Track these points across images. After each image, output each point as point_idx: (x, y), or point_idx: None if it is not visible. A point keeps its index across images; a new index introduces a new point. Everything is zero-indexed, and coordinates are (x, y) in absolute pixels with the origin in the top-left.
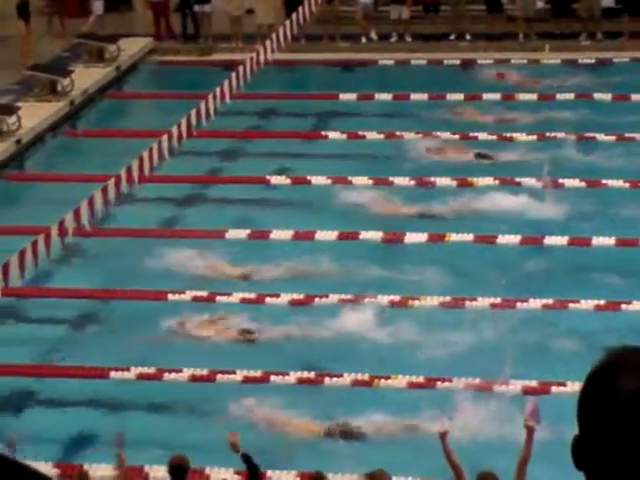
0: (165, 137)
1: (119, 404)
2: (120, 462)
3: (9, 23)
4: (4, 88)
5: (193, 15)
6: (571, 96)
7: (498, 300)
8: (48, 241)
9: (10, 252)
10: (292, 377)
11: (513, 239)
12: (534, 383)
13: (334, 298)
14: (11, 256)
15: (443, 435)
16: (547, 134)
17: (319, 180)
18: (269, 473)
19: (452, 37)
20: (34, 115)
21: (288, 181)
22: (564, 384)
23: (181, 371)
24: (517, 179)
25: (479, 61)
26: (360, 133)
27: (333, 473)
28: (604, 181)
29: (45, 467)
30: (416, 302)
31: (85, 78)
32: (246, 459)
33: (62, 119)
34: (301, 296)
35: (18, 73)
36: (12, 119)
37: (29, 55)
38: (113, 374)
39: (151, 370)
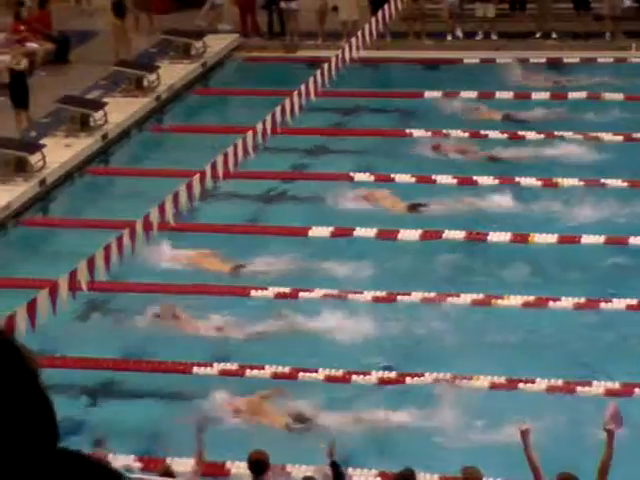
0: (250, 133)
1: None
2: (199, 453)
3: (100, 18)
4: (93, 84)
5: (279, 12)
6: None
7: (582, 300)
8: (133, 236)
9: (96, 246)
10: None
11: (597, 239)
12: (616, 385)
13: (417, 296)
14: (96, 251)
15: (524, 433)
16: (633, 134)
17: (403, 178)
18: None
19: (538, 35)
20: (121, 110)
21: (372, 178)
22: None
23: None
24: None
25: (565, 59)
26: (445, 131)
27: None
28: None
29: (127, 460)
30: (499, 301)
31: (171, 74)
32: (335, 466)
33: (148, 114)
34: (384, 293)
35: (107, 69)
36: (99, 114)
37: (123, 53)
38: (195, 369)
39: (233, 367)
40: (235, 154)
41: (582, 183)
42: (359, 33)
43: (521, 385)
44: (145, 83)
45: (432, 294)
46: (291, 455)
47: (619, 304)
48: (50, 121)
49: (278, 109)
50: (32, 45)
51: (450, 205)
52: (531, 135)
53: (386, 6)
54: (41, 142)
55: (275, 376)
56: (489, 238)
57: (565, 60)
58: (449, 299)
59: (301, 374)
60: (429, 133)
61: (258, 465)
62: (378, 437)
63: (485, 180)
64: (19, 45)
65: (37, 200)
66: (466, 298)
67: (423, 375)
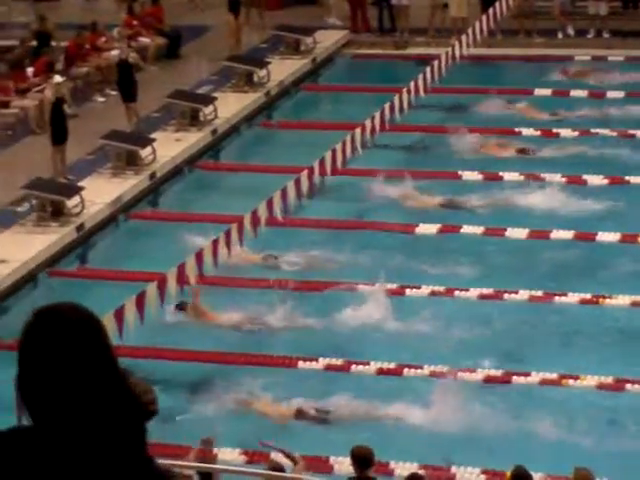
0: (358, 130)
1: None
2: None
3: (211, 14)
4: (204, 79)
5: (390, 8)
6: None
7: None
8: (241, 231)
9: (204, 240)
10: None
11: None
12: None
13: (524, 294)
14: (205, 244)
15: None
16: None
17: (510, 176)
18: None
19: None
20: (230, 105)
21: (480, 177)
22: None
23: (368, 364)
24: None
25: None
26: (554, 130)
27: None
28: None
29: (233, 455)
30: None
31: (281, 70)
32: None
33: (257, 110)
34: (491, 290)
35: (217, 64)
36: (209, 109)
37: (235, 49)
38: (301, 364)
39: (338, 362)
40: (344, 151)
41: None
42: (469, 30)
43: (628, 386)
44: (255, 79)
45: (539, 292)
46: None
47: None
48: (161, 115)
49: (387, 106)
50: (144, 40)
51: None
52: None
53: (497, 3)
54: (152, 136)
55: (380, 372)
56: (598, 238)
57: None
58: (557, 298)
59: (406, 370)
60: (538, 132)
61: (363, 461)
62: (482, 435)
63: (594, 180)
64: (130, 40)
65: (147, 194)
66: (574, 297)
67: (529, 374)
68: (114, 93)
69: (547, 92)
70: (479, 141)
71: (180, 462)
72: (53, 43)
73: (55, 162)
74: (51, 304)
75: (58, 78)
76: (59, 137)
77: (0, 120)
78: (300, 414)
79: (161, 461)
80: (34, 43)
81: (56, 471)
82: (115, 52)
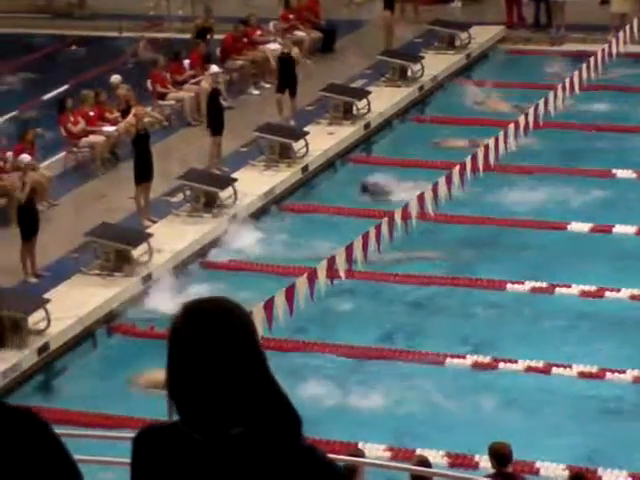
0: (512, 126)
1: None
2: None
3: (367, 8)
4: (358, 73)
5: (547, 4)
6: None
7: None
8: (391, 225)
9: (353, 236)
10: None
11: None
12: None
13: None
14: (355, 239)
15: None
16: None
17: None
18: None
19: None
20: (383, 100)
21: (634, 175)
22: None
23: (516, 362)
24: None
25: None
26: None
27: None
28: None
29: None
30: None
31: (435, 64)
32: None
33: (411, 104)
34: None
35: (371, 58)
36: (362, 103)
37: (390, 43)
38: (449, 360)
39: (486, 359)
40: (496, 147)
41: None
42: (627, 27)
43: None
44: (409, 73)
45: None
46: None
47: None
48: (314, 109)
49: (541, 102)
50: (300, 34)
51: None
52: None
53: None
54: (305, 129)
55: (475, 365)
56: None
57: None
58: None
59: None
60: None
61: (502, 457)
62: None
63: None
64: (286, 33)
65: (299, 186)
66: None
67: None
68: (268, 86)
69: None
70: None
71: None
72: (208, 37)
73: (212, 153)
74: (200, 298)
75: (215, 68)
76: (216, 128)
77: (157, 111)
78: None
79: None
80: (193, 36)
81: (207, 469)
82: (272, 46)
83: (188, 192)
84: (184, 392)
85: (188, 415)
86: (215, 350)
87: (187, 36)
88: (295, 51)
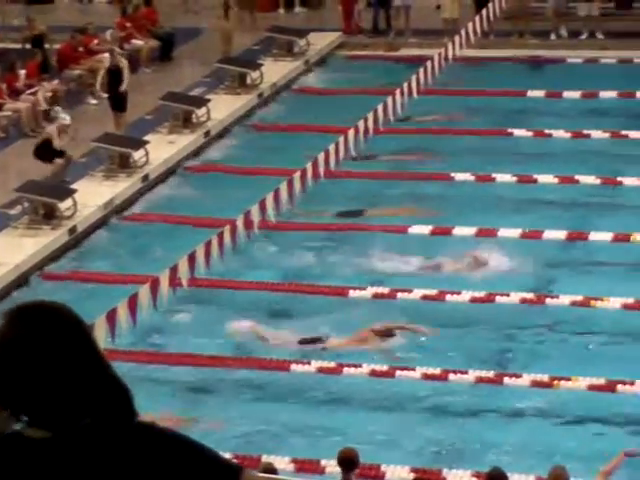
0: (351, 132)
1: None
2: None
3: (205, 17)
4: (196, 81)
5: (386, 10)
6: None
7: None
8: (234, 233)
9: (196, 244)
10: None
11: None
12: None
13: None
14: (197, 246)
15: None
16: None
17: (505, 178)
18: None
19: None
20: (223, 107)
21: (472, 178)
22: None
23: (361, 366)
24: None
25: None
26: (546, 131)
27: None
28: None
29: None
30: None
31: (274, 71)
32: None
33: (250, 112)
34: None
35: (210, 66)
36: (202, 111)
37: (227, 51)
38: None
39: (331, 364)
40: (337, 152)
41: None
42: (462, 31)
43: None
44: (248, 80)
45: None
46: None
47: None
48: (154, 118)
49: (380, 107)
50: (137, 42)
51: None
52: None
53: (490, 4)
54: (145, 138)
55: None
56: None
57: None
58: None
59: None
60: (531, 133)
61: (349, 463)
62: None
63: None
64: (123, 42)
65: (140, 196)
66: None
67: None
68: (106, 95)
69: (540, 94)
70: None
71: None
72: (46, 46)
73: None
74: (18, 303)
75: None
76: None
77: None
78: None
79: None
80: (27, 46)
81: (59, 466)
82: (107, 55)
83: (26, 204)
84: (27, 394)
85: (35, 415)
86: (49, 345)
87: (21, 46)
88: (124, 63)
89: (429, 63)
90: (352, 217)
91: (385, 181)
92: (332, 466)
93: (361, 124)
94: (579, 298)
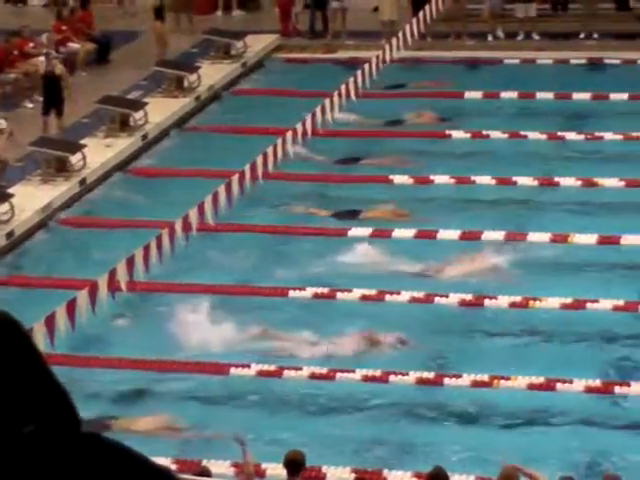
0: (289, 134)
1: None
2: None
3: (142, 19)
4: (133, 84)
5: (323, 12)
6: None
7: None
8: (172, 236)
9: (135, 247)
10: None
11: None
12: None
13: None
14: (135, 250)
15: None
16: None
17: (442, 179)
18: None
19: (582, 36)
20: (161, 110)
21: (411, 181)
22: None
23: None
24: None
25: (606, 60)
26: (484, 132)
27: None
28: None
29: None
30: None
31: (211, 74)
32: None
33: (188, 115)
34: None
35: (147, 69)
36: (139, 114)
37: (163, 54)
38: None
39: (272, 367)
40: (275, 155)
41: None
42: (400, 33)
43: None
44: (185, 83)
45: None
46: None
47: None
48: (90, 121)
49: (318, 109)
50: (73, 45)
51: None
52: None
53: (427, 6)
54: (82, 142)
55: (260, 373)
56: None
57: (606, 61)
58: None
59: None
60: (468, 135)
61: (294, 465)
62: None
63: None
64: (59, 45)
65: (77, 200)
66: None
67: None
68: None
69: (478, 95)
70: None
71: None
72: None
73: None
74: None
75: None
76: None
77: None
78: None
79: None
80: None
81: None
82: (42, 59)
83: None
84: None
85: None
86: None
87: None
88: (60, 68)
89: (367, 65)
90: (349, 218)
91: (322, 184)
92: (272, 469)
93: (299, 126)
94: (518, 299)
